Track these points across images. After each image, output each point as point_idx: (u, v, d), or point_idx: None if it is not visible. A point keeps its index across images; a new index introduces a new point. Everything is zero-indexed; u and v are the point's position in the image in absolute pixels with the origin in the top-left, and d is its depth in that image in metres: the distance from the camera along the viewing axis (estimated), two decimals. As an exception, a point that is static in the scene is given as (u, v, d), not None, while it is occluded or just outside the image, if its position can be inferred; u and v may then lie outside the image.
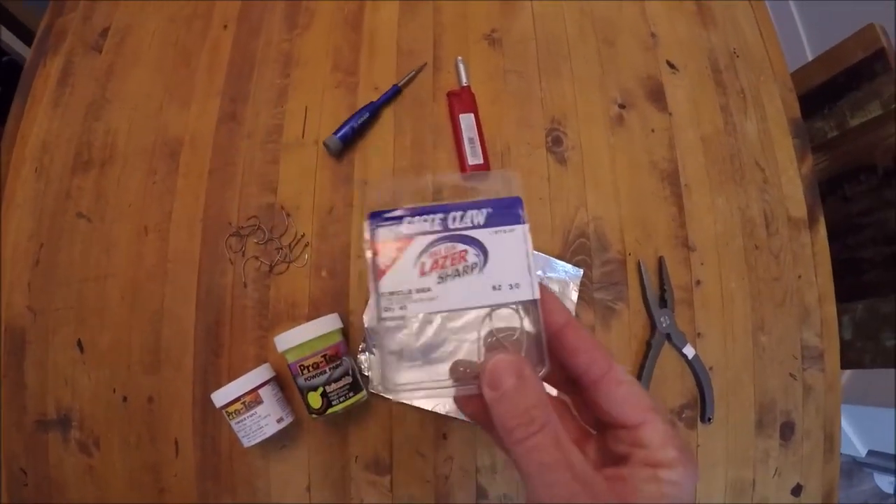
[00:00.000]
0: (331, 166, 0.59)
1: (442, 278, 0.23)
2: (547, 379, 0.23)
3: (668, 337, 0.56)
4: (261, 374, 0.51)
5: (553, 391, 0.26)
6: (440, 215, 0.24)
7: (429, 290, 0.23)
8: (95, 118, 0.65)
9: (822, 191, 0.63)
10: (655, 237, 0.58)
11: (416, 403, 0.53)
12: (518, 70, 0.62)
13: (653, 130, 0.61)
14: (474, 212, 0.24)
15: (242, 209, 0.58)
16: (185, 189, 0.60)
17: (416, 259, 0.23)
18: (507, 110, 0.61)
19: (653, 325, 0.57)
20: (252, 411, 0.50)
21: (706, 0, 0.67)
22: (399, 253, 0.23)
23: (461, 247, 0.23)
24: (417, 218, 0.23)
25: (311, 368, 0.49)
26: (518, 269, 0.23)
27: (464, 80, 0.60)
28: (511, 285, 0.23)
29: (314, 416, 0.50)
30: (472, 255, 0.23)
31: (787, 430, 0.59)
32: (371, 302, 0.24)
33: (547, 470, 0.19)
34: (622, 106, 0.62)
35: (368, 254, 0.23)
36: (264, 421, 0.50)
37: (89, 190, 0.62)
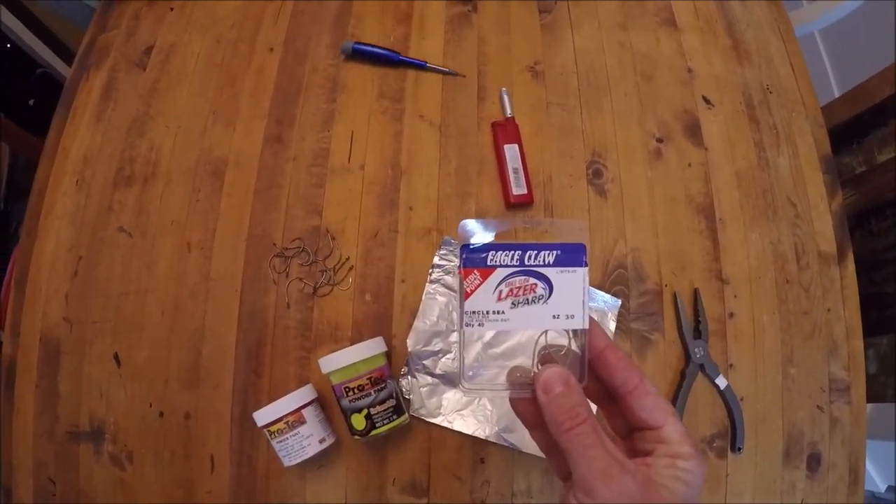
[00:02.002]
0: (376, 191, 0.60)
1: (514, 305, 0.28)
2: (587, 393, 0.28)
3: (702, 367, 0.57)
4: (304, 394, 0.52)
5: (592, 406, 0.30)
6: (518, 252, 0.28)
7: (503, 312, 0.28)
8: (139, 134, 0.66)
9: (849, 225, 0.64)
10: (691, 269, 0.60)
11: (457, 427, 0.54)
12: (560, 102, 0.63)
13: (689, 165, 0.62)
14: (546, 252, 0.28)
15: (287, 231, 0.59)
16: (230, 208, 0.61)
17: (496, 287, 0.28)
18: (549, 142, 0.62)
19: (687, 356, 0.58)
20: (295, 431, 0.50)
21: (741, 35, 0.69)
22: (482, 280, 0.28)
23: (533, 280, 0.28)
24: (500, 253, 0.28)
25: (356, 391, 0.50)
26: (575, 303, 0.28)
27: (508, 111, 0.61)
28: (567, 315, 0.28)
29: (357, 437, 0.50)
30: (540, 289, 0.28)
31: (813, 462, 0.59)
32: (456, 315, 0.30)
33: (588, 449, 0.25)
34: (660, 140, 0.63)
35: (459, 278, 0.28)
36: (307, 441, 0.51)
37: (131, 205, 0.63)
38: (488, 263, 0.28)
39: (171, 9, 0.72)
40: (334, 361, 0.50)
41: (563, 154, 0.62)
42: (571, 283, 0.28)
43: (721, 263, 0.60)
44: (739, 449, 0.57)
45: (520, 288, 0.28)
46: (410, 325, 0.56)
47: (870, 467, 1.00)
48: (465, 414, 0.54)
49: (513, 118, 0.61)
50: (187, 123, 0.65)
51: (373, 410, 0.50)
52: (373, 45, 0.64)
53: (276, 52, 0.67)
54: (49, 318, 0.61)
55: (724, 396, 0.57)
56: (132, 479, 0.57)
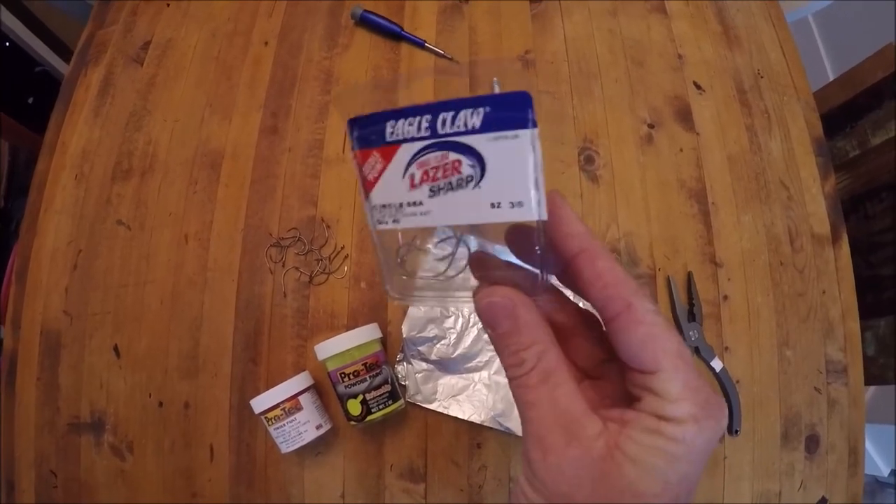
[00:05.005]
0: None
1: (434, 192, 0.20)
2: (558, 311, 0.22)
3: (697, 350, 0.58)
4: (301, 381, 0.52)
5: (581, 303, 0.23)
6: (427, 117, 0.19)
7: (421, 203, 0.20)
8: (136, 128, 0.67)
9: (844, 209, 0.64)
10: (684, 253, 0.60)
11: (453, 413, 0.54)
12: (551, 90, 0.64)
13: (681, 150, 0.63)
14: (468, 112, 0.19)
15: (283, 221, 0.60)
16: (226, 199, 0.61)
17: (405, 170, 0.20)
18: (540, 129, 0.62)
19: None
20: (292, 417, 0.51)
21: (731, 21, 0.70)
22: (385, 163, 0.20)
23: (454, 156, 0.19)
24: (402, 122, 0.20)
25: (351, 376, 0.50)
26: (521, 185, 0.19)
27: (500, 98, 0.62)
28: (512, 203, 0.19)
29: (353, 423, 0.51)
30: (466, 167, 0.19)
31: (812, 444, 0.59)
32: (366, 211, 0.22)
33: (530, 408, 0.20)
34: (651, 125, 0.63)
35: (354, 164, 0.21)
36: (304, 427, 0.51)
37: (129, 198, 0.64)
38: (388, 139, 0.20)
39: (168, 4, 0.73)
40: (329, 348, 0.50)
41: (555, 140, 0.62)
42: (513, 154, 0.19)
43: (714, 247, 0.60)
44: (736, 431, 0.57)
45: (437, 168, 0.20)
46: (405, 312, 0.56)
47: (873, 451, 0.99)
48: (461, 399, 0.54)
49: (505, 106, 0.62)
50: (184, 116, 0.66)
51: (368, 396, 0.50)
52: (380, 16, 0.66)
53: (271, 45, 0.67)
54: (49, 311, 0.62)
55: (720, 379, 0.58)
56: (133, 470, 0.57)
